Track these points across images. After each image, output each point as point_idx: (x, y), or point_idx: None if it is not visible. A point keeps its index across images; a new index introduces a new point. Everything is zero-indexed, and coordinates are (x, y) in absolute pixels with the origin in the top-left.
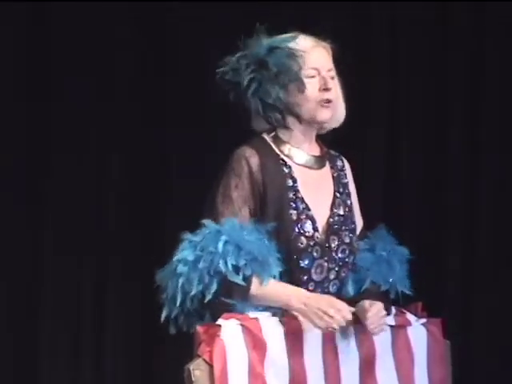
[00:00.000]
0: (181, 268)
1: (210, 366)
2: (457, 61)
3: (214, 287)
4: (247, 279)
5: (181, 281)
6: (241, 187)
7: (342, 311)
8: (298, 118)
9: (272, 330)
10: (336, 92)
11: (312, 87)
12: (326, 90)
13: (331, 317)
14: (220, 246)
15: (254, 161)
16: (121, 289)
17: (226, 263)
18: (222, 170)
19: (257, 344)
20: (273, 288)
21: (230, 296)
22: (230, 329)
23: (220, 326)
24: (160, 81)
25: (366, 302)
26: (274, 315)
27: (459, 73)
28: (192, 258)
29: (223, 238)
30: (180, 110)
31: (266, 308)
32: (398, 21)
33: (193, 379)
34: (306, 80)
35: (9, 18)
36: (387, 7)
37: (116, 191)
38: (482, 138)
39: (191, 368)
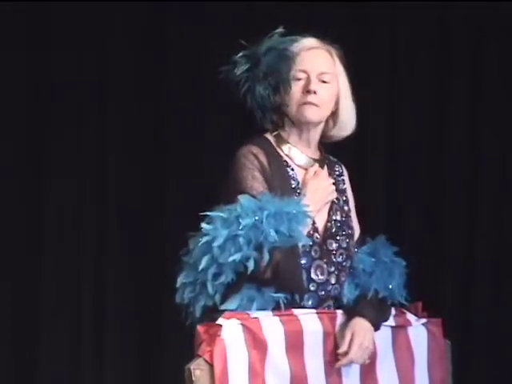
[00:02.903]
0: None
1: (211, 365)
2: (457, 60)
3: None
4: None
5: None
6: (257, 178)
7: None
8: (290, 119)
9: (273, 329)
10: (327, 95)
11: (297, 89)
12: (308, 92)
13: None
14: (264, 215)
15: (262, 157)
16: (121, 289)
17: (275, 232)
18: (228, 172)
19: (257, 344)
20: None
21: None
22: (230, 328)
23: (220, 325)
24: (160, 77)
25: (349, 333)
26: (275, 314)
27: (459, 72)
28: (229, 233)
29: (264, 208)
30: (180, 109)
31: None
32: (397, 21)
33: (193, 379)
34: (293, 82)
35: (9, 13)
36: (387, 6)
37: (116, 190)
38: (482, 137)
39: (192, 368)
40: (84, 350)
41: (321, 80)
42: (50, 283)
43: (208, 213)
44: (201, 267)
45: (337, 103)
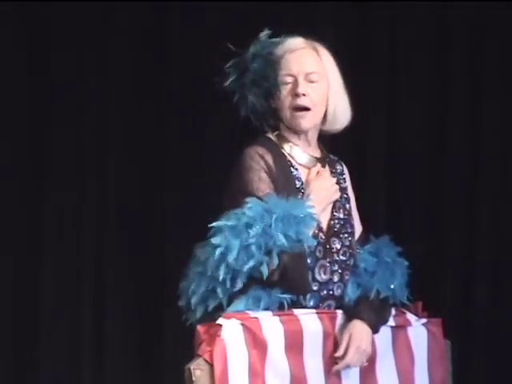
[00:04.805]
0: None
1: (211, 365)
2: (457, 60)
3: (276, 260)
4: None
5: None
6: (263, 179)
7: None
8: (285, 124)
9: (272, 329)
10: (318, 95)
11: (285, 93)
12: (297, 95)
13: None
14: (273, 220)
15: (268, 158)
16: (121, 289)
17: (284, 236)
18: (233, 173)
19: (257, 343)
20: None
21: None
22: (230, 328)
23: (221, 325)
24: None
25: (346, 336)
26: (275, 314)
27: (459, 72)
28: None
29: (273, 212)
30: (180, 109)
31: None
32: (397, 21)
33: (193, 379)
34: (281, 86)
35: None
36: (387, 6)
37: (116, 190)
38: (482, 137)
39: (192, 367)
40: (84, 350)
41: (309, 80)
42: (50, 283)
43: (215, 224)
44: (220, 278)
45: (328, 99)
